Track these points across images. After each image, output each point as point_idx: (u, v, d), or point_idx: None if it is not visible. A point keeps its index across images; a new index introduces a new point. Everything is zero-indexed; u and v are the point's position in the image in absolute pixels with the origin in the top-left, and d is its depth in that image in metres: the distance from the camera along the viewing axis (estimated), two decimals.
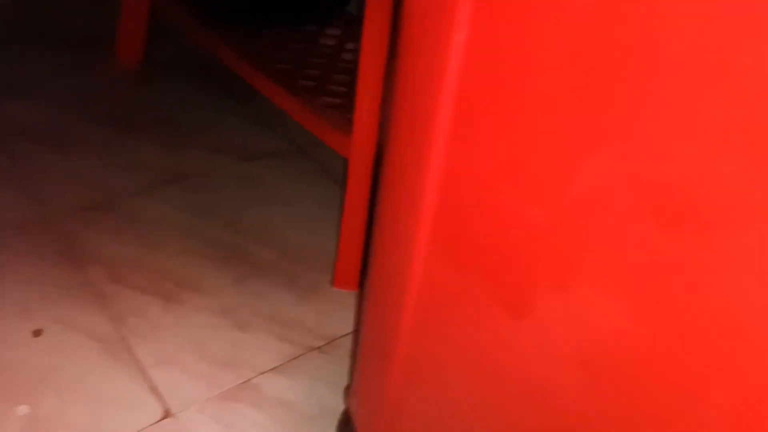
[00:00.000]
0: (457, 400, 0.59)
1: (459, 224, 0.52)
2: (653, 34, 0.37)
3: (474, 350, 0.55)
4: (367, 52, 0.86)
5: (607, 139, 0.41)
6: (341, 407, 0.83)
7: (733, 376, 0.40)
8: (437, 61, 0.49)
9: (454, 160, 0.50)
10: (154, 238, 1.05)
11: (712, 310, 0.39)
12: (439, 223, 0.54)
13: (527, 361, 0.51)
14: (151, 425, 0.80)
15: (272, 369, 0.89)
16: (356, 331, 0.95)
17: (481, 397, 0.56)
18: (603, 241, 0.43)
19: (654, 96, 0.38)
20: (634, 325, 0.43)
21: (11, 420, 0.78)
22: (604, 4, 0.38)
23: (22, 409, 0.80)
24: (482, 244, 0.51)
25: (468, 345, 0.56)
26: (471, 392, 0.57)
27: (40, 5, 1.56)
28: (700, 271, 0.39)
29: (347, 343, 0.94)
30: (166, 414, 0.82)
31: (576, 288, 0.45)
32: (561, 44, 0.41)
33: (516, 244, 0.48)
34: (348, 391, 0.78)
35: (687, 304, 0.40)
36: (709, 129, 0.36)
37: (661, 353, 0.43)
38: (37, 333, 0.88)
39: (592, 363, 0.46)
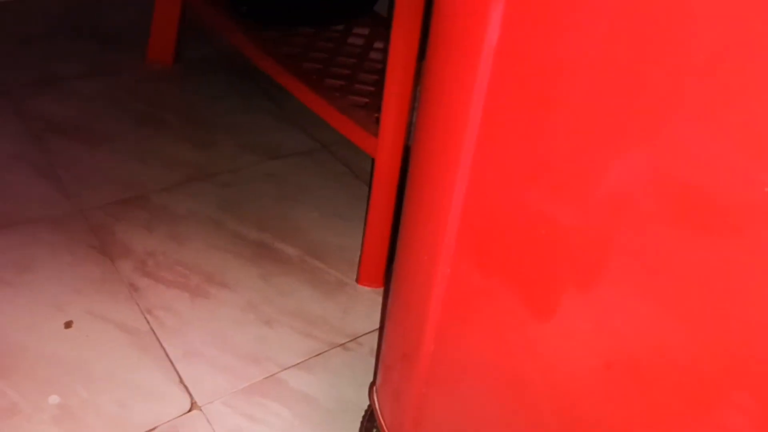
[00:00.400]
0: (480, 399, 0.59)
1: (485, 224, 0.52)
2: (682, 35, 0.37)
3: (497, 350, 0.55)
4: (396, 52, 0.87)
5: (634, 141, 0.41)
6: (365, 404, 0.84)
7: (760, 380, 0.40)
8: (468, 61, 0.49)
9: (482, 159, 0.50)
10: (183, 233, 1.06)
11: (739, 313, 0.39)
12: (465, 223, 0.54)
13: (550, 363, 0.51)
14: (178, 417, 0.82)
15: (297, 364, 0.90)
16: (380, 329, 0.95)
17: (503, 398, 0.56)
18: (629, 242, 0.43)
19: (683, 98, 0.38)
20: (660, 327, 0.43)
21: (43, 410, 0.80)
22: (633, 7, 0.38)
23: (54, 399, 0.82)
24: (508, 244, 0.51)
25: (491, 345, 0.55)
26: (493, 392, 0.57)
27: (75, 5, 1.59)
28: (727, 273, 0.39)
29: (371, 340, 0.94)
30: (193, 406, 0.83)
31: (601, 289, 0.45)
32: (589, 47, 0.41)
33: (541, 245, 0.48)
34: (372, 388, 0.78)
35: (714, 306, 0.40)
36: (738, 132, 0.36)
37: (686, 355, 0.42)
38: (68, 325, 0.90)
39: (616, 365, 0.46)
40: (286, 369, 0.89)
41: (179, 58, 1.45)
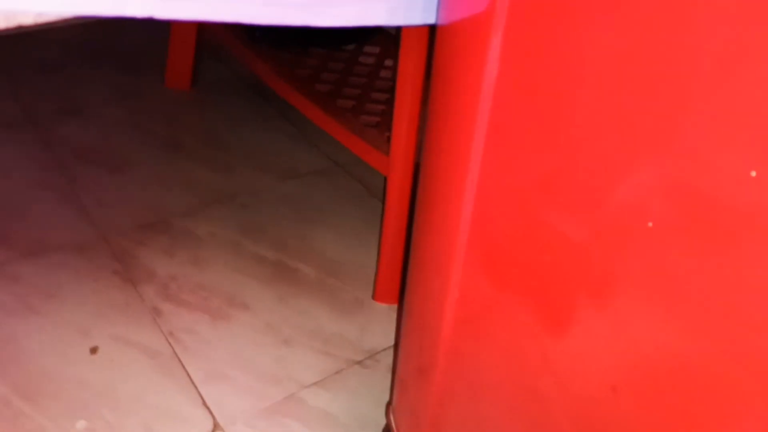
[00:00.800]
0: (495, 415, 0.59)
1: (496, 240, 0.52)
2: (694, 45, 0.36)
3: (511, 367, 0.55)
4: (404, 72, 0.88)
5: (645, 153, 0.40)
6: (383, 420, 0.85)
7: None
8: (472, 78, 0.49)
9: (490, 175, 0.51)
10: (203, 257, 1.08)
11: (756, 326, 0.39)
12: (475, 239, 0.54)
13: (565, 378, 0.50)
14: None
15: (315, 383, 0.91)
16: (396, 345, 0.96)
17: (518, 413, 0.56)
18: (643, 256, 0.42)
19: (695, 109, 0.37)
20: (676, 340, 0.43)
21: None
22: (641, 20, 0.38)
23: (81, 424, 0.84)
24: (519, 259, 0.51)
25: (505, 361, 0.56)
26: (508, 407, 0.57)
27: (92, 31, 1.63)
28: (744, 285, 0.38)
29: (388, 356, 0.95)
30: (215, 427, 0.85)
31: (616, 302, 0.45)
32: (597, 59, 0.41)
33: (553, 259, 0.48)
34: (389, 406, 0.79)
35: (730, 319, 0.40)
36: (753, 143, 0.36)
37: (704, 368, 0.42)
38: (93, 350, 0.93)
39: (632, 381, 0.46)
40: (305, 387, 0.90)
41: (196, 82, 1.48)
